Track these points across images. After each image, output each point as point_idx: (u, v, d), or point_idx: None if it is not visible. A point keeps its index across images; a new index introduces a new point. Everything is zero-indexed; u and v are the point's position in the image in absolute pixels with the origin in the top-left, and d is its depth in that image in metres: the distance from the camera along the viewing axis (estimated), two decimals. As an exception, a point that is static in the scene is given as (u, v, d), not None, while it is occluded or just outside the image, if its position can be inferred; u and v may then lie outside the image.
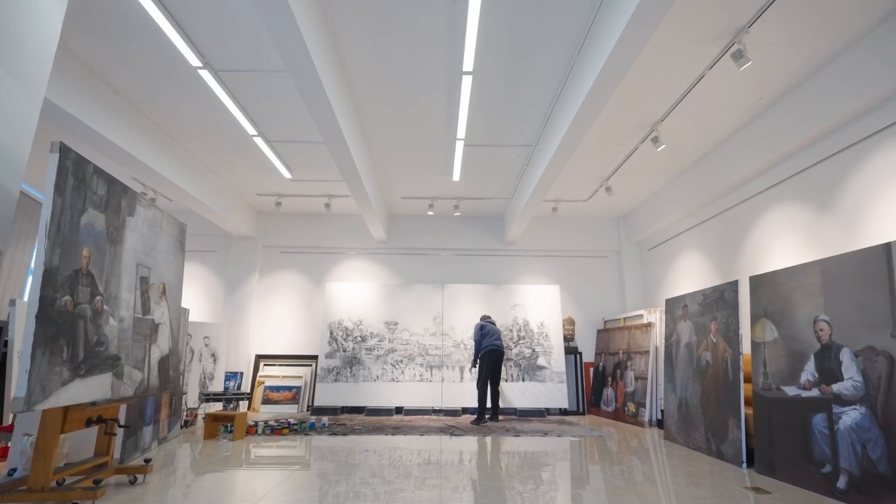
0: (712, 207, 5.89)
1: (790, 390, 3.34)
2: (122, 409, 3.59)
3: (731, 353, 4.00)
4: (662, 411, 5.80)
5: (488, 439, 4.89)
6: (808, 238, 4.31)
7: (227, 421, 4.82)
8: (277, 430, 5.07)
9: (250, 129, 5.10)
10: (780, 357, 3.47)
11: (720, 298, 4.27)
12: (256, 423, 5.13)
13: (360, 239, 8.08)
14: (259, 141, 5.33)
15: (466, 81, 4.14)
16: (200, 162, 6.21)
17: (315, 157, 5.98)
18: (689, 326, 4.74)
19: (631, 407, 6.18)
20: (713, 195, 5.66)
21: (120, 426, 2.91)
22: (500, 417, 6.51)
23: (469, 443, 4.67)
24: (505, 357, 7.05)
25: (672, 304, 5.14)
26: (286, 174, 6.33)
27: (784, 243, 4.64)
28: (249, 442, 4.64)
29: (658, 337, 6.22)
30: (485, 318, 6.50)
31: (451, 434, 5.14)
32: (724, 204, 5.63)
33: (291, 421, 5.28)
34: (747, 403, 4.03)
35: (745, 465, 3.66)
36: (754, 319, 3.76)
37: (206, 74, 4.05)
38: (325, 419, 5.69)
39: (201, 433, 5.07)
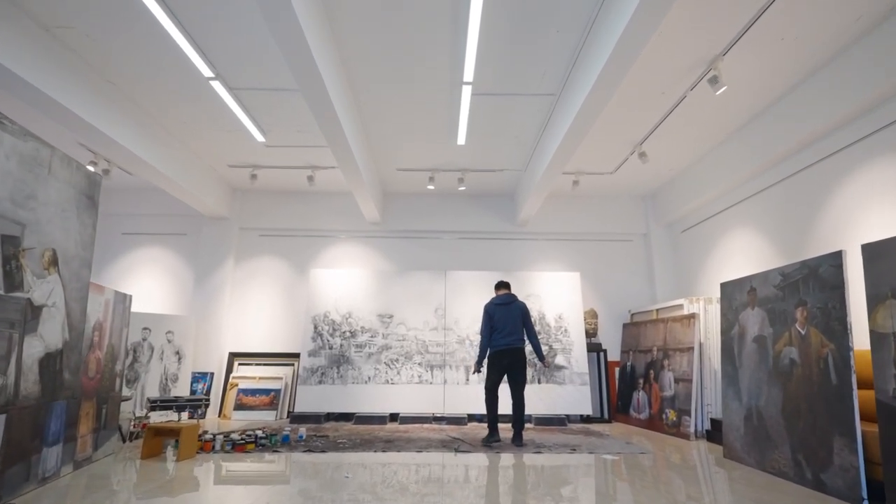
0: (773, 174, 4.86)
1: (949, 401, 2.32)
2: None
3: (835, 349, 2.98)
4: (713, 420, 4.78)
5: (502, 457, 3.88)
6: (930, 196, 3.28)
7: (173, 435, 3.82)
8: (240, 445, 4.06)
9: (206, 70, 4.08)
10: (926, 353, 2.45)
11: (811, 276, 3.24)
12: (214, 436, 4.12)
13: (351, 220, 7.06)
14: (218, 86, 4.31)
15: (477, -11, 3.12)
16: (157, 123, 5.19)
17: (292, 114, 4.96)
18: (760, 315, 3.71)
19: (670, 415, 5.16)
20: (776, 157, 4.62)
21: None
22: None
23: (478, 462, 3.66)
24: (548, 364, 5.24)
25: (730, 289, 4.12)
26: (259, 137, 5.31)
27: (887, 206, 3.60)
28: (202, 462, 3.63)
29: (703, 331, 5.21)
30: (500, 294, 4.72)
31: (456, 450, 4.13)
32: (791, 167, 4.59)
33: (259, 433, 4.28)
34: (865, 417, 3.01)
35: (865, 503, 2.64)
36: (874, 302, 2.74)
37: (128, -26, 3.03)
38: (302, 430, 4.68)
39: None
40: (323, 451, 4.05)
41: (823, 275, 3.15)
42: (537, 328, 6.34)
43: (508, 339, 4.46)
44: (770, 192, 4.93)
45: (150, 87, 4.51)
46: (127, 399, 4.45)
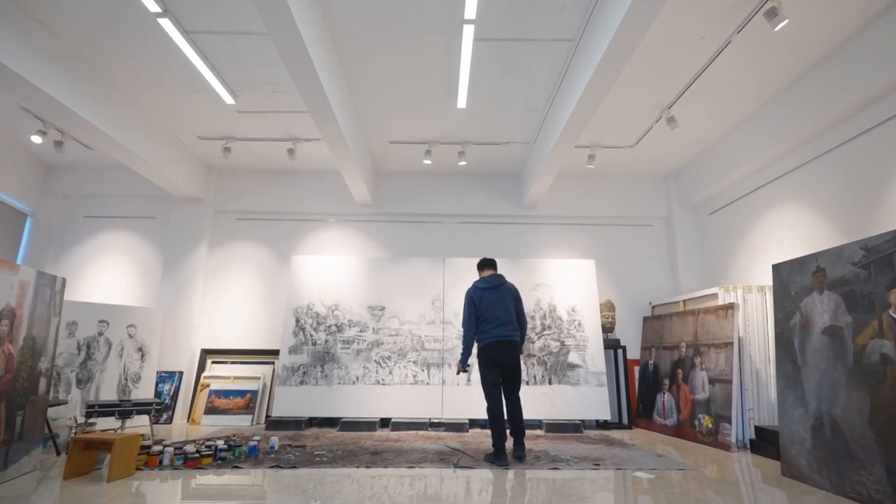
0: (828, 138, 4.14)
1: None
2: None
3: (956, 341, 2.26)
4: (757, 429, 4.06)
5: (512, 475, 3.16)
6: None
7: (106, 448, 3.09)
8: (192, 460, 3.34)
9: (151, 3, 3.36)
10: None
11: (912, 249, 2.53)
12: (163, 448, 3.40)
13: (339, 202, 6.34)
14: (169, 26, 3.57)
15: None
16: (105, 78, 4.48)
17: (263, 68, 4.24)
18: (833, 300, 2.99)
19: (705, 421, 4.44)
20: (835, 117, 3.90)
21: None
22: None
23: (482, 481, 2.94)
24: (524, 352, 4.57)
25: (787, 271, 3.40)
26: (228, 98, 4.58)
27: None
28: (138, 482, 2.91)
29: (742, 324, 4.49)
30: (485, 276, 3.89)
31: (456, 465, 3.41)
32: (855, 128, 3.87)
33: (220, 444, 3.56)
34: None
35: None
36: None
37: None
38: (274, 439, 3.96)
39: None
40: (294, 467, 3.33)
41: (933, 245, 2.43)
42: (546, 322, 5.62)
43: (502, 329, 3.60)
44: (824, 160, 4.21)
45: (92, 31, 3.78)
46: (60, 403, 3.73)
